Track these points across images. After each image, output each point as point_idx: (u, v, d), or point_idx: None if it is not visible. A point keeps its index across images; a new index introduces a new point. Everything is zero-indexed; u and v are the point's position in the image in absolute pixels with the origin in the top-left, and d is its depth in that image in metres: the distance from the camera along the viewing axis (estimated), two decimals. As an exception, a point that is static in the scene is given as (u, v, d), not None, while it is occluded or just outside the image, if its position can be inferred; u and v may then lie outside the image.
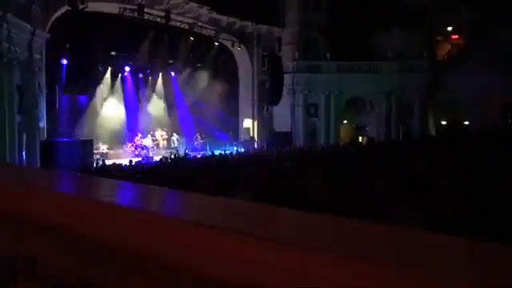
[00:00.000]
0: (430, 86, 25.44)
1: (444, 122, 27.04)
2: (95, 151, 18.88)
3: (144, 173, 9.55)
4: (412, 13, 25.05)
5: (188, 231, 1.00)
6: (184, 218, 1.11)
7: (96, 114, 21.71)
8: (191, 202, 1.32)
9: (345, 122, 27.21)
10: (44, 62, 16.65)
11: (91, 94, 21.06)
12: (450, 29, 28.55)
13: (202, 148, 23.10)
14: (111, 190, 1.56)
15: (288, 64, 25.64)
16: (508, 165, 6.49)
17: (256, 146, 23.85)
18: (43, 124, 16.62)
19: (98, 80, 21.52)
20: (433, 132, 26.24)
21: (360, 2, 24.96)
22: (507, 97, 23.53)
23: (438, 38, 28.70)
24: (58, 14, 17.20)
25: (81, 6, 15.90)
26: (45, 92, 16.73)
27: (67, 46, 17.51)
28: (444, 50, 28.63)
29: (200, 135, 24.02)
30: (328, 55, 25.66)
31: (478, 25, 25.15)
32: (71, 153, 15.81)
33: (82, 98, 20.41)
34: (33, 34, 15.22)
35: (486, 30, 24.17)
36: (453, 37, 28.76)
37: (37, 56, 15.80)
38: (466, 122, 25.93)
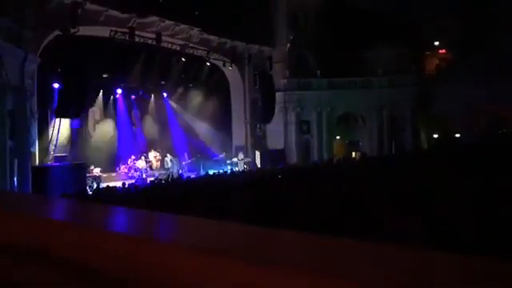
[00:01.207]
0: (421, 100, 25.77)
1: (436, 135, 27.29)
2: (88, 175, 18.71)
3: (138, 195, 9.47)
4: (400, 28, 25.54)
5: (180, 256, 0.98)
6: (176, 242, 1.09)
7: (89, 136, 21.62)
8: (183, 225, 1.30)
9: (337, 137, 27.35)
10: (36, 87, 16.64)
11: (84, 117, 21.02)
12: (437, 43, 29.14)
13: (193, 168, 22.97)
14: (101, 215, 1.54)
15: (279, 82, 25.88)
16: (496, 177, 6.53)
17: (250, 165, 23.82)
18: (34, 148, 16.50)
19: (91, 103, 21.52)
20: (425, 145, 26.43)
21: (348, 19, 25.43)
22: (496, 109, 23.89)
23: (426, 52, 29.26)
24: (50, 38, 17.29)
25: (72, 31, 16.02)
26: (36, 116, 16.67)
27: (59, 70, 17.55)
28: (432, 64, 29.14)
29: (190, 155, 23.97)
30: (318, 72, 25.97)
31: (464, 39, 25.70)
32: (63, 177, 15.65)
33: (75, 122, 20.35)
34: (24, 58, 15.25)
35: (473, 45, 24.69)
36: (440, 51, 29.34)
37: (28, 80, 15.79)
38: (457, 135, 26.19)
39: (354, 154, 26.26)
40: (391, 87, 25.76)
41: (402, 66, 25.99)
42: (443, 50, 29.11)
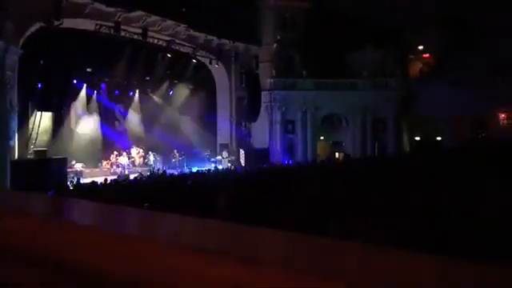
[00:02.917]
0: (404, 103, 26.15)
1: (418, 138, 27.74)
2: (69, 170, 18.41)
3: (119, 190, 9.37)
4: (385, 32, 25.87)
5: (158, 253, 0.99)
6: (155, 239, 1.10)
7: (71, 131, 21.27)
8: (162, 222, 1.31)
9: (321, 138, 27.55)
10: (16, 79, 16.27)
11: (66, 111, 20.67)
12: (421, 48, 29.60)
13: (176, 165, 22.81)
14: (82, 211, 1.54)
15: (265, 81, 25.92)
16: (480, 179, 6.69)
17: (234, 163, 23.80)
18: (14, 142, 16.14)
19: (73, 97, 21.17)
20: (407, 147, 26.85)
21: (335, 21, 25.61)
22: (477, 113, 24.41)
23: (410, 56, 29.71)
24: (32, 30, 16.93)
25: (56, 23, 15.72)
26: (16, 109, 16.31)
27: (41, 62, 17.20)
28: (416, 68, 29.61)
29: (178, 152, 23.79)
30: (304, 73, 26.10)
31: (447, 45, 26.19)
32: (43, 172, 15.36)
33: (56, 116, 19.99)
34: (5, 50, 14.89)
35: (456, 50, 25.18)
36: (424, 55, 29.82)
37: (9, 73, 15.43)
38: (439, 138, 26.68)
39: (337, 154, 26.49)
40: (375, 89, 26.07)
41: (386, 69, 26.34)
42: (427, 55, 29.59)
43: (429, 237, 3.08)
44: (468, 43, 24.71)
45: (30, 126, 18.54)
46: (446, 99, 23.36)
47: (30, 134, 18.35)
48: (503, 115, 24.97)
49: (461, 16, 25.57)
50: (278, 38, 26.18)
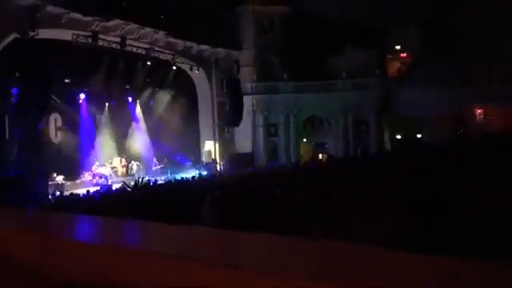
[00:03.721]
0: (384, 102, 26.56)
1: (398, 136, 28.18)
2: (50, 183, 18.03)
3: (103, 202, 9.23)
4: (363, 33, 26.27)
5: (146, 262, 0.98)
6: (142, 249, 1.09)
7: (50, 143, 20.84)
8: (149, 231, 1.30)
9: (304, 140, 27.72)
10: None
11: (44, 123, 20.25)
12: (398, 47, 30.16)
13: (160, 173, 22.57)
14: (63, 223, 1.51)
15: (247, 86, 25.98)
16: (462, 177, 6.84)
17: (218, 169, 23.72)
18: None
19: (52, 108, 20.78)
20: (388, 146, 27.24)
21: (314, 24, 25.90)
22: (455, 110, 24.97)
23: (388, 56, 30.24)
24: (7, 41, 16.59)
25: (31, 34, 15.45)
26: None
27: (17, 74, 16.85)
28: (394, 67, 30.15)
29: (158, 160, 23.58)
30: (285, 76, 26.26)
31: (424, 44, 26.76)
32: (23, 186, 14.99)
33: (34, 128, 19.54)
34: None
35: (433, 48, 25.75)
36: (401, 55, 30.39)
37: (-16, 86, 15.09)
38: (419, 136, 27.17)
39: (320, 155, 26.69)
40: (355, 90, 26.41)
41: (365, 70, 26.72)
42: (404, 54, 30.17)
43: (418, 235, 3.13)
44: (444, 42, 25.31)
45: (8, 138, 18.08)
46: (424, 98, 23.82)
47: (9, 147, 17.90)
48: (479, 111, 25.61)
49: (437, 16, 26.20)
50: (258, 42, 26.31)
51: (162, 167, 23.21)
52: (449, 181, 5.94)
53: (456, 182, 5.57)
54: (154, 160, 23.37)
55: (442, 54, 24.72)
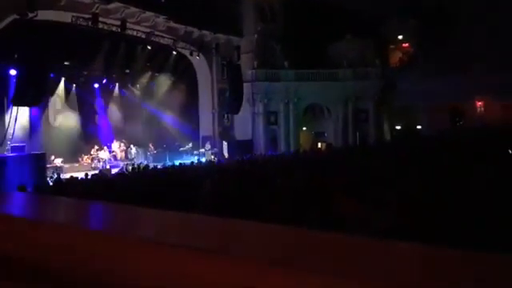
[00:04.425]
0: (384, 93, 26.46)
1: (398, 127, 28.17)
2: (48, 165, 18.05)
3: (102, 186, 9.24)
4: (365, 22, 26.04)
5: (137, 249, 0.97)
6: (132, 235, 1.08)
7: (49, 126, 20.81)
8: (143, 218, 1.29)
9: (304, 128, 27.69)
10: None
11: (43, 106, 20.18)
12: (400, 37, 29.94)
13: (159, 159, 22.58)
14: (57, 209, 1.50)
15: (247, 73, 25.82)
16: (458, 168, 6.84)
17: (217, 155, 23.74)
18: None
19: (51, 91, 20.68)
20: (388, 136, 27.24)
21: (315, 12, 25.65)
22: (455, 101, 24.91)
23: (391, 46, 30.03)
24: (6, 22, 16.41)
25: (30, 15, 15.26)
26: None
27: (16, 56, 16.70)
28: (396, 57, 29.97)
29: (156, 145, 23.57)
30: (286, 64, 26.09)
31: (425, 35, 26.56)
32: (21, 168, 15.00)
33: (34, 111, 19.50)
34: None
35: (433, 39, 25.57)
36: (403, 45, 30.19)
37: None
38: (419, 127, 27.15)
39: (320, 144, 26.70)
40: (356, 79, 26.28)
41: (366, 59, 26.55)
42: (406, 44, 29.97)
43: (416, 226, 3.14)
44: (446, 32, 25.11)
45: (6, 121, 18.04)
46: (425, 88, 23.75)
47: (7, 130, 17.87)
48: (480, 103, 25.55)
49: (439, 4, 25.94)
50: (259, 28, 26.07)
51: (156, 152, 23.18)
52: (446, 175, 5.94)
53: (453, 176, 5.57)
54: (150, 145, 23.37)
55: (442, 44, 24.56)
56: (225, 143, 25.38)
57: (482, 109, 25.35)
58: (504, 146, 10.12)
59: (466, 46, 23.25)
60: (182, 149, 24.11)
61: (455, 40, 24.05)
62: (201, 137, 25.95)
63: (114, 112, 24.08)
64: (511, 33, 21.96)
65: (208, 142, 25.13)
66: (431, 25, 25.87)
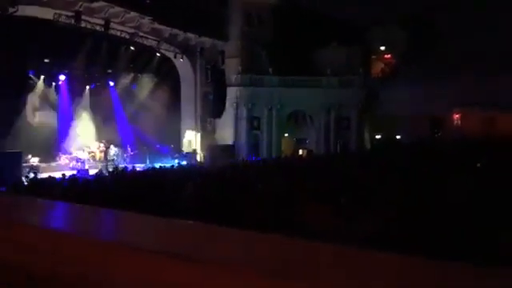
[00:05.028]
0: (366, 102, 26.85)
1: (378, 136, 28.60)
2: (24, 164, 17.60)
3: (79, 187, 9.05)
4: (350, 32, 26.44)
5: (122, 255, 0.95)
6: (118, 241, 1.06)
7: (26, 124, 20.30)
8: (126, 223, 1.27)
9: (286, 134, 27.82)
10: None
11: (21, 103, 19.70)
12: (383, 48, 30.51)
13: (138, 160, 22.26)
14: (38, 210, 1.46)
15: (231, 77, 25.82)
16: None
17: (198, 159, 23.59)
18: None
19: (30, 89, 20.23)
20: (368, 145, 27.61)
21: (301, 19, 25.89)
22: (434, 113, 25.49)
23: (373, 56, 30.55)
24: (-15, 16, 15.98)
25: (10, 10, 14.93)
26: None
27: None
28: (378, 67, 30.52)
29: (136, 147, 23.27)
30: (270, 69, 26.20)
31: (408, 45, 27.13)
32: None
33: (12, 108, 19.00)
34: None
35: (416, 50, 26.15)
36: (385, 56, 30.77)
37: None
38: (398, 136, 27.64)
39: (301, 151, 26.85)
40: (339, 87, 26.58)
41: (350, 68, 26.90)
42: (388, 55, 30.55)
43: (392, 234, 3.17)
44: (429, 43, 25.72)
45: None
46: (405, 99, 24.21)
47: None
48: (457, 115, 26.20)
49: (422, 16, 26.56)
50: (245, 33, 26.13)
51: (136, 153, 22.89)
52: (422, 184, 6.05)
53: (429, 186, 5.68)
54: (128, 147, 23.05)
55: (425, 55, 25.13)
56: (206, 147, 25.25)
57: (459, 121, 25.99)
58: (473, 159, 10.41)
59: (447, 58, 23.85)
60: (167, 148, 23.89)
61: (436, 53, 24.64)
62: (182, 139, 25.75)
63: (94, 111, 23.66)
64: (490, 47, 22.64)
65: (189, 145, 24.95)
66: (414, 37, 26.45)
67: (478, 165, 9.94)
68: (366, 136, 28.03)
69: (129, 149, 23.04)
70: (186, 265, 0.87)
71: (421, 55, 25.59)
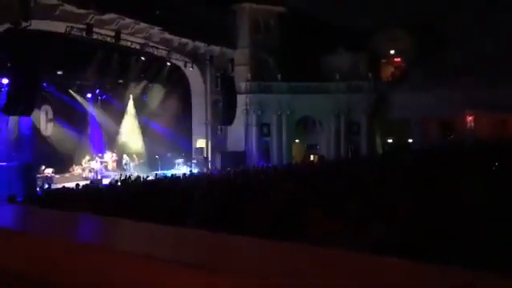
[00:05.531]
0: (376, 106, 26.70)
1: (390, 140, 28.37)
2: (39, 175, 17.85)
3: (92, 197, 9.15)
4: (358, 36, 26.40)
5: (136, 265, 0.97)
6: (132, 250, 1.08)
7: (41, 136, 20.63)
8: (133, 231, 1.29)
9: (296, 140, 27.77)
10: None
11: (35, 115, 20.04)
12: (392, 52, 30.35)
13: (150, 169, 22.41)
14: (52, 222, 1.49)
15: (241, 84, 25.94)
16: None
17: (209, 167, 23.66)
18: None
19: (43, 100, 20.58)
20: (379, 150, 27.39)
21: (309, 25, 25.95)
22: (446, 115, 25.22)
23: (383, 60, 30.41)
24: (-1, 31, 16.37)
25: (24, 24, 15.24)
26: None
27: (8, 64, 16.63)
28: (388, 71, 30.34)
29: (138, 157, 23.47)
30: (279, 76, 26.27)
31: (418, 48, 26.97)
32: (11, 178, 14.81)
33: (25, 120, 19.34)
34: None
35: (426, 53, 25.97)
36: (395, 60, 30.59)
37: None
38: (410, 140, 27.38)
39: (312, 157, 26.76)
40: (349, 92, 26.51)
41: (359, 73, 26.84)
42: (398, 59, 30.37)
43: (405, 241, 3.15)
44: (438, 46, 25.53)
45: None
46: (416, 102, 24.02)
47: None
48: (470, 118, 25.86)
49: (431, 19, 26.41)
50: (253, 41, 26.29)
51: (143, 162, 23.11)
52: (435, 189, 5.99)
53: (441, 190, 5.62)
54: (134, 156, 23.26)
55: (436, 58, 24.94)
56: (217, 154, 25.33)
57: (472, 124, 25.65)
58: (491, 160, 10.26)
59: (457, 60, 23.63)
60: (179, 157, 24.10)
61: (446, 55, 24.44)
62: (193, 148, 25.89)
63: (107, 122, 23.96)
64: (500, 48, 22.39)
65: (200, 154, 25.05)
66: (424, 38, 26.29)
67: (494, 167, 9.81)
68: (378, 140, 27.84)
69: (135, 158, 23.21)
70: (199, 273, 0.89)
71: (431, 58, 25.39)
